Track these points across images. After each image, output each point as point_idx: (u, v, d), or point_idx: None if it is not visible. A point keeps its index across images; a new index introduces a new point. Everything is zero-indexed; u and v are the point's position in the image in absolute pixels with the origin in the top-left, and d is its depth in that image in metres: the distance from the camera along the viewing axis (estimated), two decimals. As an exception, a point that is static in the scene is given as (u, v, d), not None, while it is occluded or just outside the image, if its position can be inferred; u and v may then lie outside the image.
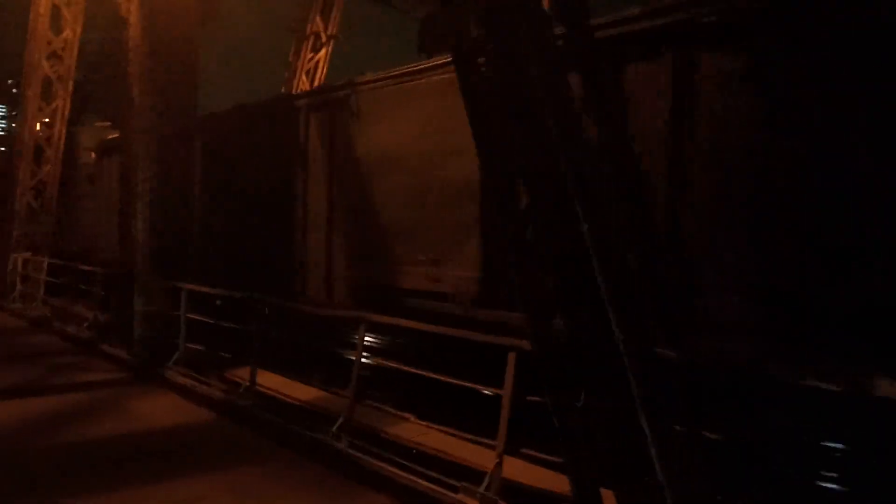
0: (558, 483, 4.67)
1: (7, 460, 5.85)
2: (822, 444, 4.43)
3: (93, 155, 16.58)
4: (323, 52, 14.33)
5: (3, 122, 25.63)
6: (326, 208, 9.21)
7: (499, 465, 4.75)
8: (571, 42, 4.53)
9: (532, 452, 5.25)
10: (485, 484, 4.72)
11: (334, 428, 5.91)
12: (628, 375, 3.91)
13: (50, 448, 6.15)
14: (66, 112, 14.83)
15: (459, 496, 4.76)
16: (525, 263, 4.27)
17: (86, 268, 12.07)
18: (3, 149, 19.63)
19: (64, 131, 14.87)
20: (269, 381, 7.58)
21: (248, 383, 7.19)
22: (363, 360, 6.06)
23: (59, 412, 7.23)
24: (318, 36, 14.18)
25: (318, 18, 14.16)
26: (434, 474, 5.01)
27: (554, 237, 4.20)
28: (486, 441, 5.11)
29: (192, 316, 8.49)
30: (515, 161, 4.34)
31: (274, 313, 7.50)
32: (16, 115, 18.21)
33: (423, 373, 5.58)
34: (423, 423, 6.07)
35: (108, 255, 12.73)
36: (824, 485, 4.45)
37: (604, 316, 3.99)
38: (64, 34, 14.50)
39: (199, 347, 8.47)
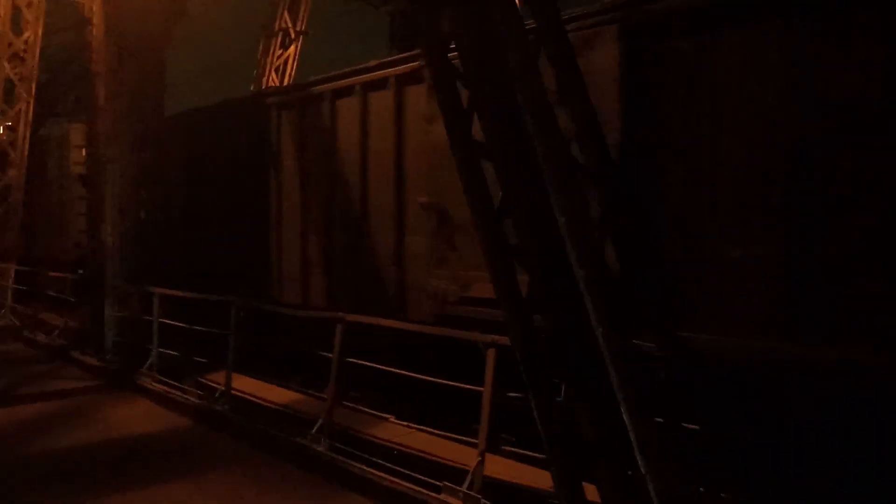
0: (541, 479, 4.65)
1: (-24, 473, 5.70)
2: (807, 436, 4.44)
3: (83, 152, 15.58)
4: (292, 48, 14.15)
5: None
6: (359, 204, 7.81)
7: (481, 462, 4.71)
8: (542, 33, 4.49)
9: (514, 449, 5.22)
10: (467, 482, 4.68)
11: (313, 431, 5.83)
12: (609, 369, 3.89)
13: (24, 457, 6.03)
14: (30, 114, 14.51)
15: (442, 496, 4.72)
16: (501, 258, 4.23)
17: (55, 274, 11.81)
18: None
19: (28, 134, 14.54)
20: (246, 385, 7.46)
21: (223, 388, 7.07)
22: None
23: (31, 422, 7.07)
24: (286, 32, 14.00)
25: (286, 14, 13.98)
26: (416, 475, 4.96)
27: (530, 231, 4.16)
28: (467, 439, 5.07)
29: (164, 321, 8.34)
30: (490, 155, 4.30)
31: (251, 316, 7.36)
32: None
33: (403, 372, 5.52)
34: (404, 423, 6.02)
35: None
36: (808, 478, 4.46)
37: (583, 309, 3.96)
38: (25, 35, 14.18)
39: (173, 353, 8.32)
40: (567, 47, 4.48)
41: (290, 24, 13.97)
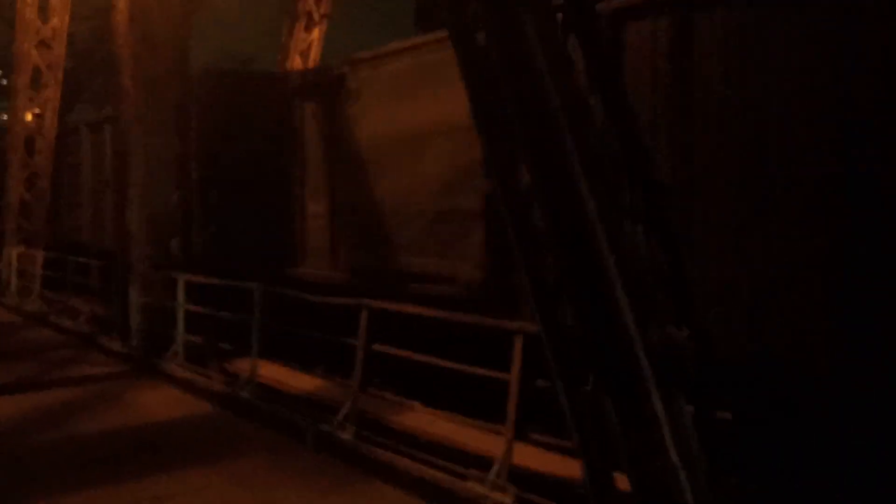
0: (569, 468, 4.59)
1: (5, 456, 5.77)
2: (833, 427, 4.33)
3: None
4: (316, 31, 14.08)
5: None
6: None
7: (508, 451, 4.66)
8: (571, 14, 4.38)
9: (542, 438, 5.16)
10: (494, 470, 4.63)
11: (339, 417, 5.82)
12: (639, 357, 3.81)
13: (49, 443, 6.08)
14: (58, 101, 14.62)
15: (469, 484, 4.68)
16: (530, 245, 4.16)
17: (82, 260, 11.94)
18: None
19: (56, 121, 14.67)
20: (271, 371, 7.48)
21: (248, 374, 7.08)
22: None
23: (58, 407, 7.15)
24: (310, 15, 13.92)
25: (309, -4, 13.91)
26: (442, 462, 4.93)
27: (559, 216, 4.08)
28: (494, 427, 5.01)
29: (189, 307, 8.37)
30: (517, 139, 4.21)
31: (276, 302, 7.33)
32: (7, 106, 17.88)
33: (429, 359, 5.47)
34: (430, 410, 5.98)
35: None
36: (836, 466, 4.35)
37: (613, 297, 3.88)
38: (52, 22, 14.27)
39: (197, 339, 8.36)
40: (597, 28, 4.37)
41: (313, 7, 13.89)
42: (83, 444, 6.06)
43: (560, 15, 4.29)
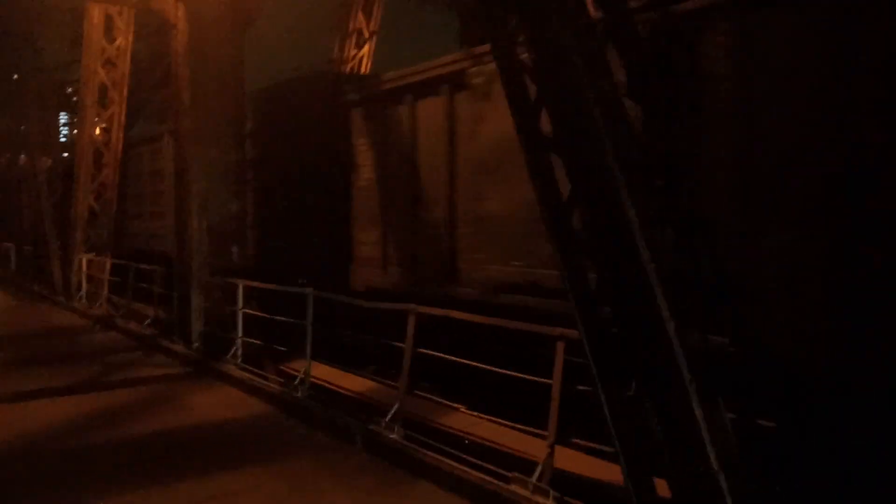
0: (610, 472, 4.64)
1: (68, 454, 6.07)
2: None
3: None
4: (366, 48, 14.41)
5: (65, 128, 26.58)
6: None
7: (550, 454, 4.74)
8: (610, 25, 4.46)
9: (584, 442, 5.22)
10: (536, 474, 4.72)
11: (387, 419, 5.98)
12: (679, 363, 3.85)
13: (110, 441, 6.36)
14: (123, 117, 15.27)
15: (512, 486, 4.77)
16: (570, 252, 4.24)
17: (147, 267, 12.45)
18: (65, 154, 20.27)
19: (121, 136, 15.32)
20: (324, 372, 7.71)
21: (302, 376, 7.32)
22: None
23: (121, 406, 7.48)
24: (360, 33, 14.26)
25: (360, 15, 14.24)
26: (486, 464, 5.03)
27: (599, 224, 4.16)
28: (537, 431, 5.10)
29: (248, 311, 8.69)
30: (558, 149, 4.31)
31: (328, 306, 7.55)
32: (76, 121, 18.71)
33: (472, 363, 5.58)
34: (475, 413, 6.09)
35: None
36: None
37: (653, 304, 3.93)
38: (117, 42, 14.92)
39: (255, 341, 8.66)
40: (635, 39, 4.44)
41: (363, 25, 14.23)
42: (143, 442, 6.33)
43: (600, 28, 4.38)
